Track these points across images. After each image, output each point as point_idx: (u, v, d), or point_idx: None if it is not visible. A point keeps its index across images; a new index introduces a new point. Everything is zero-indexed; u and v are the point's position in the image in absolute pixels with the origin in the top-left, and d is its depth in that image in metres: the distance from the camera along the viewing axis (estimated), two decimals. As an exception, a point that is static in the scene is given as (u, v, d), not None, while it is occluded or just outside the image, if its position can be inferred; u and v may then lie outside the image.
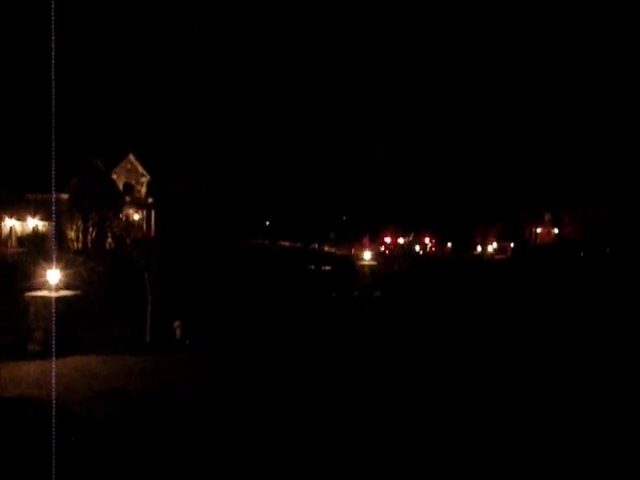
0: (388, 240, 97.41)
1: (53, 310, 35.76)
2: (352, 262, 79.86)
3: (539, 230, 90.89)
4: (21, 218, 59.81)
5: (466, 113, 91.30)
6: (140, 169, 69.44)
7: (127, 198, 67.68)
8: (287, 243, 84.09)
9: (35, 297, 37.30)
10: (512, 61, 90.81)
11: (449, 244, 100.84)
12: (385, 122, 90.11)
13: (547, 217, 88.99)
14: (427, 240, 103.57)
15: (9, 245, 59.54)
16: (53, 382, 27.86)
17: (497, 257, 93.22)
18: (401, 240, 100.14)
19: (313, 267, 72.27)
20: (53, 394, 22.82)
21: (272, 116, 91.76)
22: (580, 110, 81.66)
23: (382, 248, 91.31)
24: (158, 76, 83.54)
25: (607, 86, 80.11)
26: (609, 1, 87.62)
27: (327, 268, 72.79)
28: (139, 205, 68.51)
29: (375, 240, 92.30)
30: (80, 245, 58.12)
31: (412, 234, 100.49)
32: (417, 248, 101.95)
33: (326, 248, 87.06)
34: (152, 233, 65.49)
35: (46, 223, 59.70)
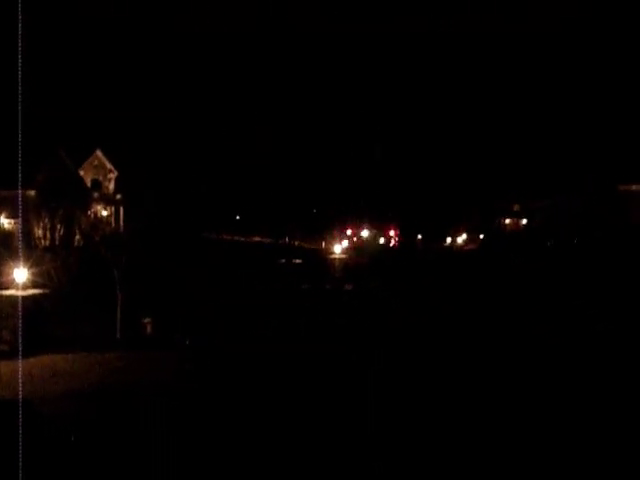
0: (349, 232, 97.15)
1: (20, 309, 35.38)
2: (322, 255, 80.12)
3: (507, 221, 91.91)
4: (-14, 216, 58.95)
5: (451, 110, 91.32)
6: (108, 165, 68.69)
7: (95, 194, 66.92)
8: (258, 238, 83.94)
9: (1, 296, 36.90)
10: (511, 61, 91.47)
11: (419, 236, 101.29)
12: (368, 116, 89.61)
13: (515, 208, 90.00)
14: (392, 232, 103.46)
15: (-26, 244, 58.59)
16: (21, 382, 27.52)
17: (467, 248, 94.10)
18: (365, 233, 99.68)
19: (284, 260, 72.18)
20: (20, 394, 22.41)
21: (245, 112, 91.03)
22: (564, 107, 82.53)
23: (346, 241, 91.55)
24: (153, 75, 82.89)
25: (604, 85, 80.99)
26: (609, 1, 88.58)
27: (298, 261, 72.73)
28: (107, 201, 67.82)
29: (340, 233, 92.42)
30: (48, 242, 57.28)
31: (375, 227, 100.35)
32: (381, 240, 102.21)
33: (296, 242, 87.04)
34: (121, 229, 64.82)
35: (12, 220, 58.91)
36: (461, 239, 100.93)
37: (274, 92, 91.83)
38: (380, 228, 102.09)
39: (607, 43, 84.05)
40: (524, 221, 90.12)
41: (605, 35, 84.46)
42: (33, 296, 37.92)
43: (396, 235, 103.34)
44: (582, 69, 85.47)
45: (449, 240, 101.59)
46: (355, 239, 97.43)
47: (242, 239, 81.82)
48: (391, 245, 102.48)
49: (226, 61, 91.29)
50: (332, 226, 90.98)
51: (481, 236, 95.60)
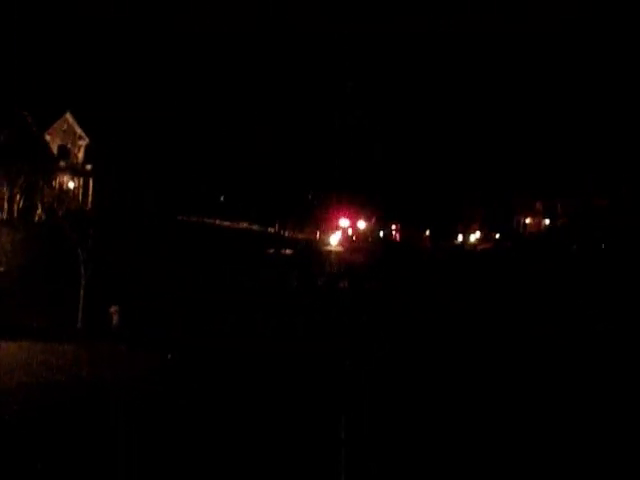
0: (345, 224, 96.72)
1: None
2: (316, 247, 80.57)
3: (528, 220, 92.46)
4: None
5: (462, 106, 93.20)
6: (78, 131, 68.68)
7: (62, 163, 67.00)
8: (244, 224, 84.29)
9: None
10: (512, 61, 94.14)
11: (427, 232, 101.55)
12: (373, 112, 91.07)
13: (537, 206, 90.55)
14: (393, 226, 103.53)
15: None
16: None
17: (480, 247, 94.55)
18: (362, 224, 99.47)
19: (272, 251, 72.60)
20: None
21: (237, 89, 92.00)
22: (582, 103, 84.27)
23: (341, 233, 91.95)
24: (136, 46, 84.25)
25: (607, 84, 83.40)
26: (609, 1, 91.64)
27: (288, 252, 73.20)
28: (75, 172, 67.87)
29: (337, 223, 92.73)
30: (5, 215, 57.74)
31: (374, 218, 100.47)
32: (381, 234, 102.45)
33: (287, 231, 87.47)
34: (89, 205, 64.97)
35: (-36, 188, 59.18)
36: (474, 237, 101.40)
37: (272, 82, 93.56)
38: (381, 220, 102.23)
39: (607, 43, 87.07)
40: (546, 221, 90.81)
41: (605, 35, 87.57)
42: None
43: (397, 229, 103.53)
44: (589, 70, 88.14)
45: (460, 238, 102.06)
46: (352, 231, 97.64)
47: (226, 224, 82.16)
48: (392, 239, 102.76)
49: (224, 55, 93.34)
50: (328, 215, 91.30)
51: (497, 235, 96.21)
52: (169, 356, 37.15)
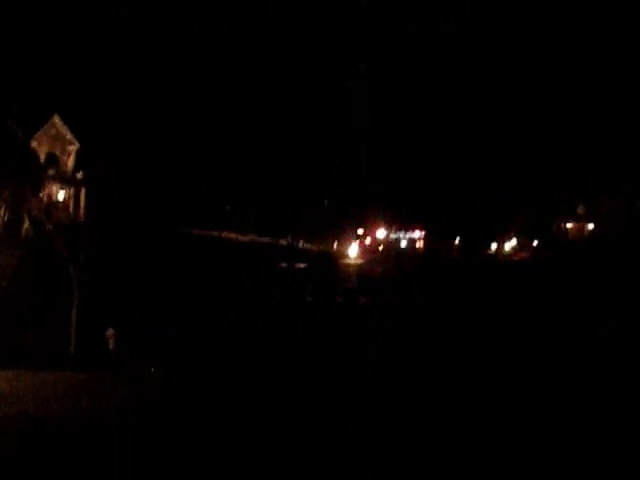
0: (364, 233, 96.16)
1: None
2: (333, 260, 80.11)
3: (569, 225, 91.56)
4: None
5: (493, 103, 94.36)
6: (68, 135, 68.44)
7: (50, 171, 66.91)
8: (253, 236, 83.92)
9: None
10: (514, 57, 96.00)
11: (456, 240, 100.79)
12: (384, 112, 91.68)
13: (580, 209, 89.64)
14: (416, 234, 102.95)
15: None
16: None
17: (516, 257, 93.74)
18: (381, 234, 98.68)
19: (285, 265, 72.36)
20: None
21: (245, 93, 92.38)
22: (624, 96, 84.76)
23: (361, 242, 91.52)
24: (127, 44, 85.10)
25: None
26: (609, 1, 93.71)
27: (302, 266, 72.83)
28: (65, 181, 67.82)
29: (355, 233, 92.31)
30: (-12, 230, 57.47)
31: (395, 226, 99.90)
32: (403, 244, 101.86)
33: (301, 242, 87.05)
34: (81, 217, 64.98)
35: (-56, 202, 59.20)
36: (509, 246, 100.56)
37: (280, 84, 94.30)
38: (404, 228, 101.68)
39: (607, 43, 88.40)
40: (590, 226, 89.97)
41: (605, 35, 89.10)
42: (-33, 296, 37.86)
43: (422, 238, 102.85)
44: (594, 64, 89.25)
45: (494, 246, 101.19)
46: (371, 241, 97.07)
47: (233, 236, 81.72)
48: (417, 249, 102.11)
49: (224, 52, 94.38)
50: (346, 224, 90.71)
51: (534, 243, 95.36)
52: (152, 369, 37.95)
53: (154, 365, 39.04)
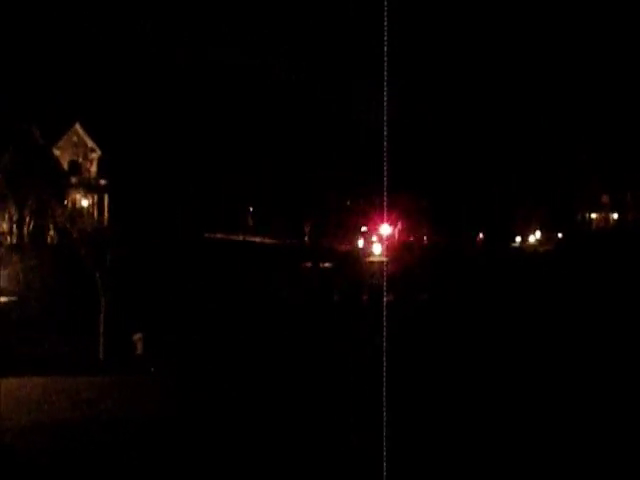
0: (388, 230, 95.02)
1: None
2: (358, 258, 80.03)
3: (594, 216, 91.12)
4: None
5: (515, 97, 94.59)
6: (89, 143, 68.89)
7: (73, 179, 67.35)
8: (275, 239, 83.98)
9: (-42, 305, 37.38)
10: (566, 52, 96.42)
11: (480, 234, 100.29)
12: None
13: (604, 199, 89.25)
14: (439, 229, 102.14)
15: None
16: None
17: (542, 249, 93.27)
18: (385, 229, 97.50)
19: (310, 264, 72.36)
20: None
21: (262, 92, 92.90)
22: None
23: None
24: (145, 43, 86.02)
25: None
26: (609, 1, 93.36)
27: (327, 265, 72.91)
28: (89, 188, 68.16)
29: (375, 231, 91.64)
30: (15, 239, 58.02)
31: (399, 222, 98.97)
32: (425, 239, 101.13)
33: (325, 242, 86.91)
34: (105, 223, 65.03)
35: (-29, 212, 59.63)
36: (534, 238, 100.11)
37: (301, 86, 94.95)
38: (427, 224, 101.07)
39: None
40: (615, 215, 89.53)
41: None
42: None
43: (445, 232, 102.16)
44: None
45: (518, 239, 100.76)
46: (396, 236, 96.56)
47: (256, 240, 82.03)
48: (439, 243, 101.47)
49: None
50: (370, 222, 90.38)
51: (559, 235, 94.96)
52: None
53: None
